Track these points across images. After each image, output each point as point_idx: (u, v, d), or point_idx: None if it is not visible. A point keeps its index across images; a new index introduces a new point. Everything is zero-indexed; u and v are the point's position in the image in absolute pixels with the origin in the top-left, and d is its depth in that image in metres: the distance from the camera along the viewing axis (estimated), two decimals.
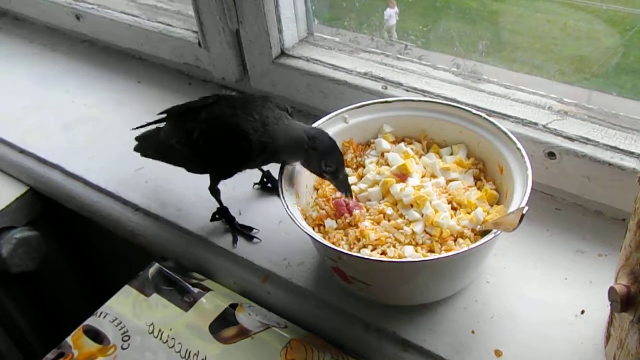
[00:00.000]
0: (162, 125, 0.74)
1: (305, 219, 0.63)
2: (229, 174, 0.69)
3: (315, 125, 0.68)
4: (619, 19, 0.79)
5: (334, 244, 0.61)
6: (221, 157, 0.67)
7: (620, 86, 0.77)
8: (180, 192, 0.79)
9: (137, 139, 0.75)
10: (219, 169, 0.69)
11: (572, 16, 0.81)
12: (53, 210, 0.92)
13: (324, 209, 0.65)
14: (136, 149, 0.76)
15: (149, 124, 0.75)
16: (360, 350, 0.63)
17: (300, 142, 0.63)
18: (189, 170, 0.72)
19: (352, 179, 0.68)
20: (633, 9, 0.77)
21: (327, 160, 0.63)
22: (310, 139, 0.63)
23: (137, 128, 0.77)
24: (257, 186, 0.78)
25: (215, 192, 0.72)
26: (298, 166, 0.66)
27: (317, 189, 0.69)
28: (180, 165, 0.72)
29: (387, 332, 0.62)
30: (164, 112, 0.73)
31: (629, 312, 0.48)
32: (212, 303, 0.69)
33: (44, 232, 0.92)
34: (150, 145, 0.74)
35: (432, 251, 0.60)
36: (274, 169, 0.65)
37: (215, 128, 0.67)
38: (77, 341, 0.67)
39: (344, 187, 0.64)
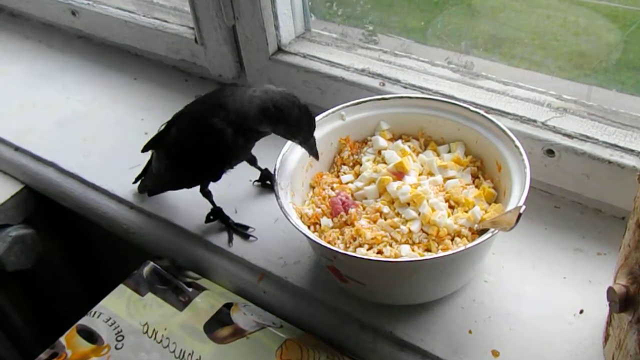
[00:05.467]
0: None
1: (301, 217, 0.63)
2: (215, 173, 0.68)
3: None
4: (619, 14, 0.78)
5: (329, 242, 0.60)
6: (200, 160, 0.66)
7: (620, 82, 0.76)
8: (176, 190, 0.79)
9: (138, 184, 0.78)
10: (205, 173, 0.68)
11: (571, 11, 0.80)
12: (48, 208, 0.92)
13: (319, 207, 0.64)
14: (141, 190, 0.78)
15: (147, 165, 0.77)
16: (356, 350, 0.62)
17: (265, 113, 0.61)
18: (188, 187, 0.71)
19: (348, 177, 0.68)
20: (633, 6, 0.76)
21: (295, 133, 0.62)
22: (275, 109, 0.61)
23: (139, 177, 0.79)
24: (256, 183, 0.78)
25: (206, 194, 0.71)
26: (294, 164, 0.65)
27: (313, 187, 0.68)
28: (179, 187, 0.72)
29: (383, 332, 0.61)
30: (146, 149, 0.74)
31: (628, 312, 0.47)
32: (206, 302, 0.68)
33: (39, 230, 0.92)
34: (147, 181, 0.76)
35: (428, 250, 0.59)
36: (271, 165, 0.64)
37: (184, 134, 0.67)
38: (70, 341, 0.66)
39: (311, 151, 0.64)
